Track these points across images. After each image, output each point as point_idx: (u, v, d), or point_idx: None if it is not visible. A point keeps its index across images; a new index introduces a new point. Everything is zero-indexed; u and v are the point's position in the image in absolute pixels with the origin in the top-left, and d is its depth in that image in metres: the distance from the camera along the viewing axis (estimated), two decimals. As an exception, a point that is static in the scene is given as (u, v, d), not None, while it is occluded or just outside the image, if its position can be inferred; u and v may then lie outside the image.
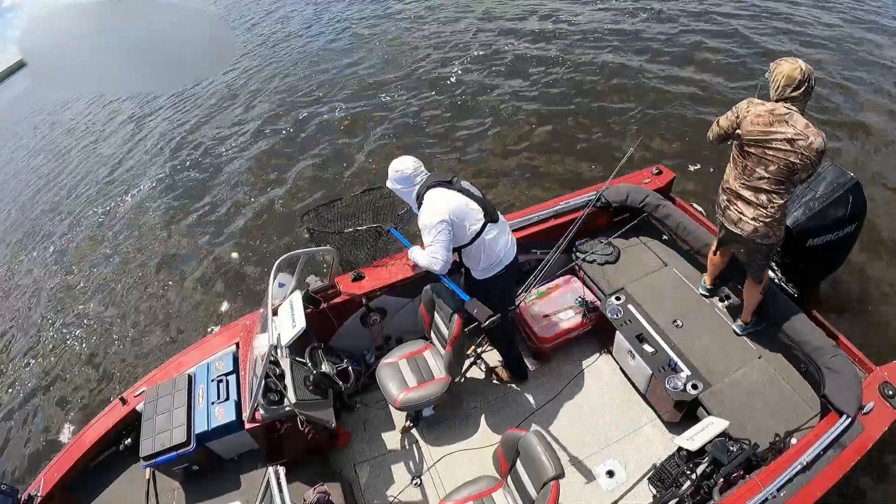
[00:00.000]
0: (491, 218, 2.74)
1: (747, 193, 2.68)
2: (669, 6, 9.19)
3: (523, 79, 7.95)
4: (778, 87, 2.47)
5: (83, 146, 10.54)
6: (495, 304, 2.69)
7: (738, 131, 2.60)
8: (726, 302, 3.32)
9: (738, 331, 3.16)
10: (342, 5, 13.49)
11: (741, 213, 2.73)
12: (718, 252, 3.16)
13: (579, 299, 3.56)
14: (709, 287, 3.37)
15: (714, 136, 2.75)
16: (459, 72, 8.52)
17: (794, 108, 2.45)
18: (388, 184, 2.79)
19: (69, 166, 10.08)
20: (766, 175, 2.56)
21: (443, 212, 2.58)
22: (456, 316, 2.86)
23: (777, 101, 2.51)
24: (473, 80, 8.22)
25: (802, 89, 2.43)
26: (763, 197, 2.63)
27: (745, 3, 8.89)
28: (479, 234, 2.69)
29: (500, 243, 2.80)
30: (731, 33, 7.99)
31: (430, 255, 2.64)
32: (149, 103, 11.37)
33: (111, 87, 11.66)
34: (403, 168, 2.69)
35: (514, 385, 3.53)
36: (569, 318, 3.51)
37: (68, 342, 5.69)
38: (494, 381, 3.56)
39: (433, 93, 8.16)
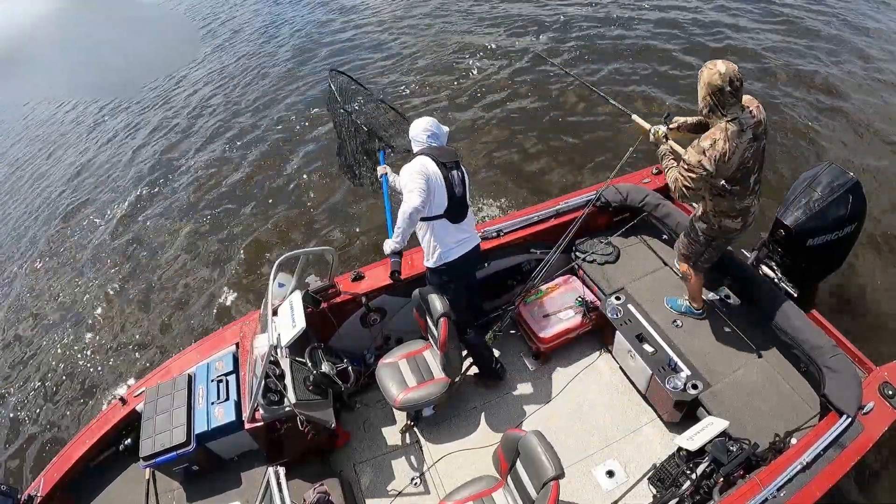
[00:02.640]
0: (450, 216, 2.86)
1: (751, 199, 2.66)
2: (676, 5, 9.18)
3: (519, 76, 7.94)
4: (703, 97, 2.36)
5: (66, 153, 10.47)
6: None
7: (716, 180, 2.49)
8: (726, 302, 3.32)
9: (678, 310, 3.25)
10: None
11: (754, 211, 2.74)
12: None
13: (579, 299, 3.56)
14: (699, 309, 3.24)
15: (692, 196, 2.58)
16: (462, 66, 8.52)
17: (731, 112, 2.34)
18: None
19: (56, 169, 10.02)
20: (756, 173, 2.58)
21: (422, 168, 2.75)
22: (442, 320, 2.86)
23: (705, 113, 2.42)
24: (471, 77, 8.21)
25: (725, 94, 2.29)
26: (758, 186, 2.67)
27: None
28: (431, 218, 2.84)
29: (447, 241, 2.92)
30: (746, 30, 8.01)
31: (407, 195, 2.70)
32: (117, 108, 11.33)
33: (74, 92, 11.66)
34: (414, 126, 2.93)
35: (513, 386, 3.53)
36: (569, 318, 3.51)
37: (69, 343, 5.69)
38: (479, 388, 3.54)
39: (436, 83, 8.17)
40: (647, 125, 2.83)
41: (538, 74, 7.92)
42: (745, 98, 2.41)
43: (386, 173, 3.14)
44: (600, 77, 7.47)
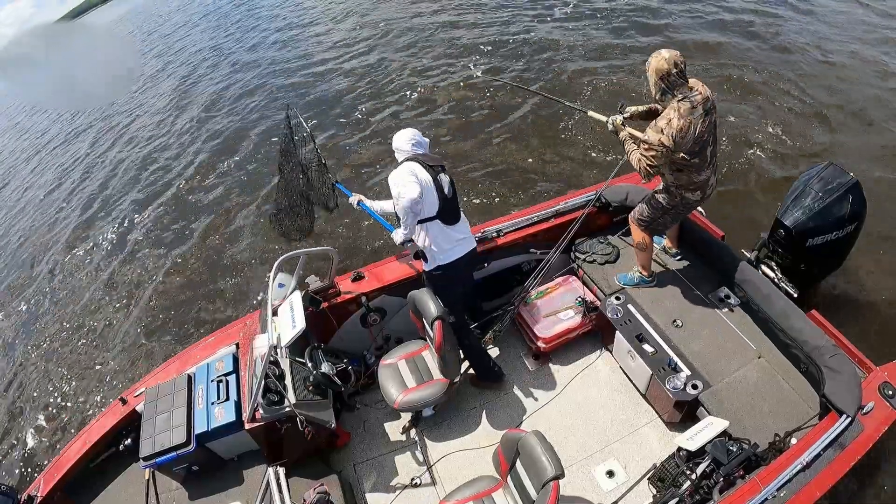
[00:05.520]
0: (443, 217, 2.91)
1: (708, 171, 2.86)
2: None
3: (513, 76, 7.95)
4: (654, 83, 2.62)
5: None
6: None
7: (676, 154, 2.68)
8: (726, 302, 3.31)
9: (631, 283, 3.44)
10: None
11: (713, 183, 2.94)
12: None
13: (579, 299, 3.56)
14: (676, 250, 3.58)
15: (655, 172, 2.78)
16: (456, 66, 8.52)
17: (681, 92, 2.60)
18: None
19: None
20: (711, 146, 2.77)
21: (411, 170, 2.81)
22: (436, 323, 2.86)
23: (660, 99, 2.67)
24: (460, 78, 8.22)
25: (673, 76, 2.57)
26: (713, 159, 2.85)
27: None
28: (422, 220, 2.89)
29: (442, 244, 2.96)
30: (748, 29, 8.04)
31: (403, 190, 2.74)
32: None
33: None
34: (397, 137, 2.99)
35: (513, 386, 3.53)
36: (569, 318, 3.51)
37: (68, 342, 5.69)
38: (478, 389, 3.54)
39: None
40: (603, 117, 3.01)
41: (533, 73, 7.92)
42: (691, 80, 2.68)
43: (361, 200, 3.26)
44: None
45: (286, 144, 3.40)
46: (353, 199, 3.27)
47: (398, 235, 2.93)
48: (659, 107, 2.83)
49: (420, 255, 3.05)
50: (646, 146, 2.69)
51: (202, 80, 11.57)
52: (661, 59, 2.57)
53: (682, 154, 2.66)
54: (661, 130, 2.61)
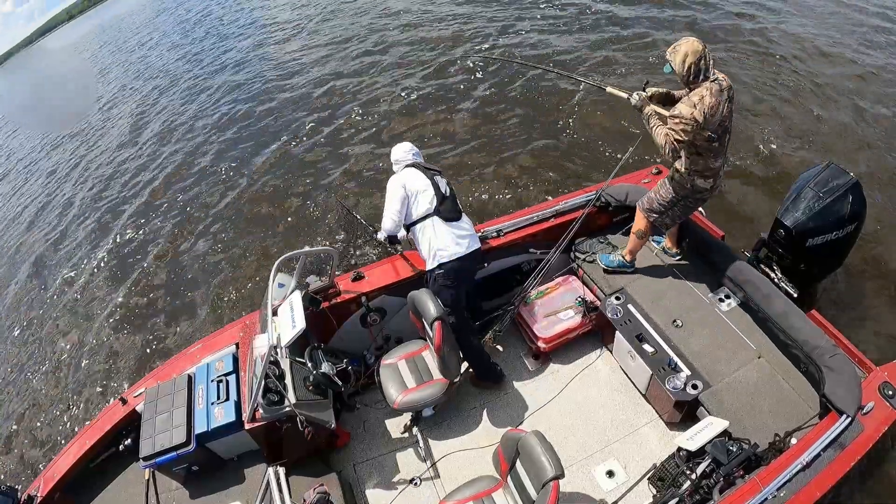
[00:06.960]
0: (442, 213, 3.03)
1: (722, 160, 2.89)
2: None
3: (514, 77, 7.95)
4: (688, 66, 2.60)
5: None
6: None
7: (704, 132, 2.68)
8: (726, 302, 3.32)
9: (612, 265, 3.52)
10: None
11: (722, 174, 2.98)
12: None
13: (579, 299, 3.56)
14: (676, 251, 3.58)
15: (681, 148, 2.75)
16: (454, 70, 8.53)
17: (712, 75, 2.64)
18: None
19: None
20: (729, 133, 2.82)
21: (401, 182, 3.08)
22: (436, 324, 2.86)
23: (691, 81, 2.65)
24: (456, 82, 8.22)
25: (706, 58, 2.60)
26: (727, 149, 2.89)
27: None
28: (422, 218, 3.04)
29: (443, 240, 3.05)
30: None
31: (383, 219, 3.09)
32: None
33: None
34: (395, 150, 3.32)
35: (513, 386, 3.53)
36: (569, 318, 3.51)
37: (69, 343, 5.69)
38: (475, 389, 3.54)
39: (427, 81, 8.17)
40: (624, 94, 2.98)
41: (531, 74, 7.92)
42: (720, 74, 2.71)
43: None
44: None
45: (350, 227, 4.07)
46: (381, 234, 3.32)
47: (381, 235, 3.18)
48: (676, 93, 2.92)
49: (393, 240, 3.21)
50: (676, 120, 2.67)
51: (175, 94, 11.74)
52: (694, 42, 2.60)
53: (708, 132, 2.68)
54: (695, 105, 2.61)
